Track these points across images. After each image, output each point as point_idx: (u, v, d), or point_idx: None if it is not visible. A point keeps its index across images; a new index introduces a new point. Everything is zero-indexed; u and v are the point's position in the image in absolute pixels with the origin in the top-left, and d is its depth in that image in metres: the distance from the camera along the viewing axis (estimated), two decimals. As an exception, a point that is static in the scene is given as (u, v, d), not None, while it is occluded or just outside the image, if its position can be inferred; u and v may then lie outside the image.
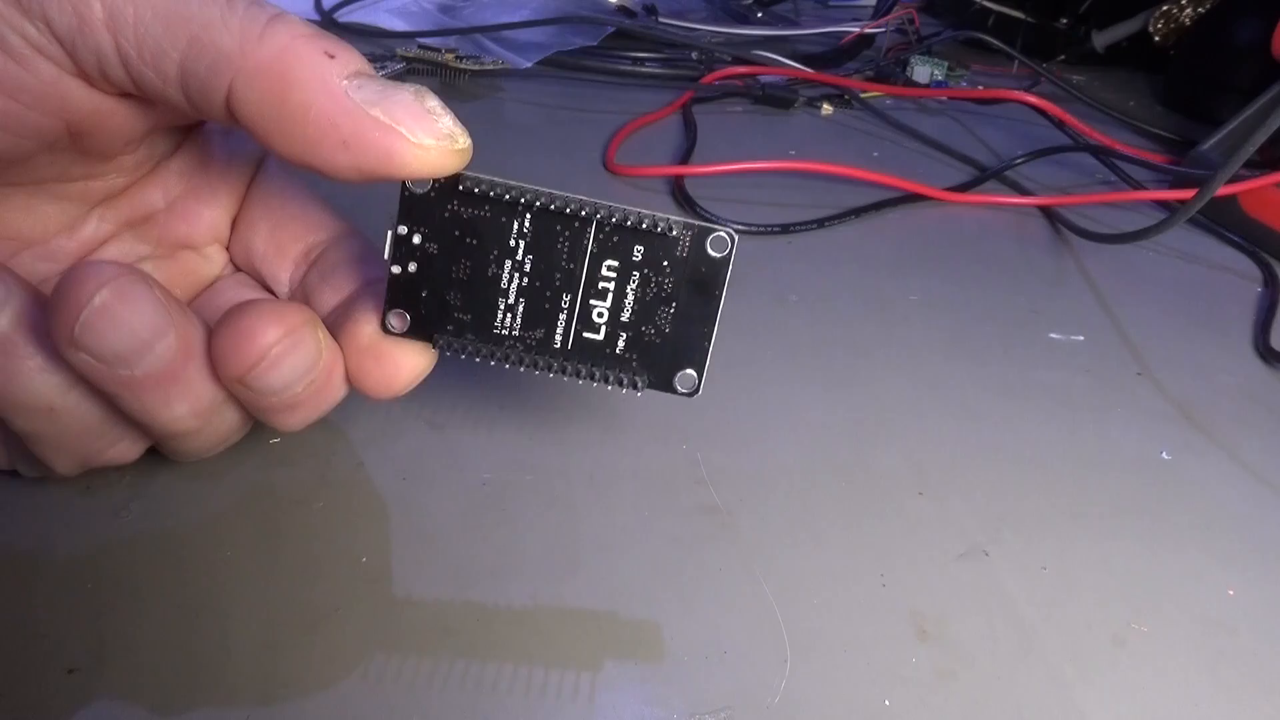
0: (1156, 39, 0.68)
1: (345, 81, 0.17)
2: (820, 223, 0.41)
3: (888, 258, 0.39)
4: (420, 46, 0.55)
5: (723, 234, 0.19)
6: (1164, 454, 0.28)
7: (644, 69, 0.59)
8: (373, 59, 0.52)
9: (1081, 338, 0.35)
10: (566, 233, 0.19)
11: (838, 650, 0.20)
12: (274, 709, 0.18)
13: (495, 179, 0.19)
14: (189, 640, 0.19)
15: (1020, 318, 0.36)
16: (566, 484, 0.24)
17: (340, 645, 0.19)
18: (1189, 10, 0.66)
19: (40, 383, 0.18)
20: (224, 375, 0.19)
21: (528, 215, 0.19)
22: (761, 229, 0.40)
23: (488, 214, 0.19)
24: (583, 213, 0.19)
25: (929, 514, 0.25)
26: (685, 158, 0.47)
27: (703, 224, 0.19)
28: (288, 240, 0.23)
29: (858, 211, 0.42)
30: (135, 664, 0.18)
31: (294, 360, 0.19)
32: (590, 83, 0.58)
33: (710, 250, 0.19)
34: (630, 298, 0.19)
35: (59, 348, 0.17)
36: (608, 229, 0.19)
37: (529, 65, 0.57)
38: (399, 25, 0.61)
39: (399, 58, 0.54)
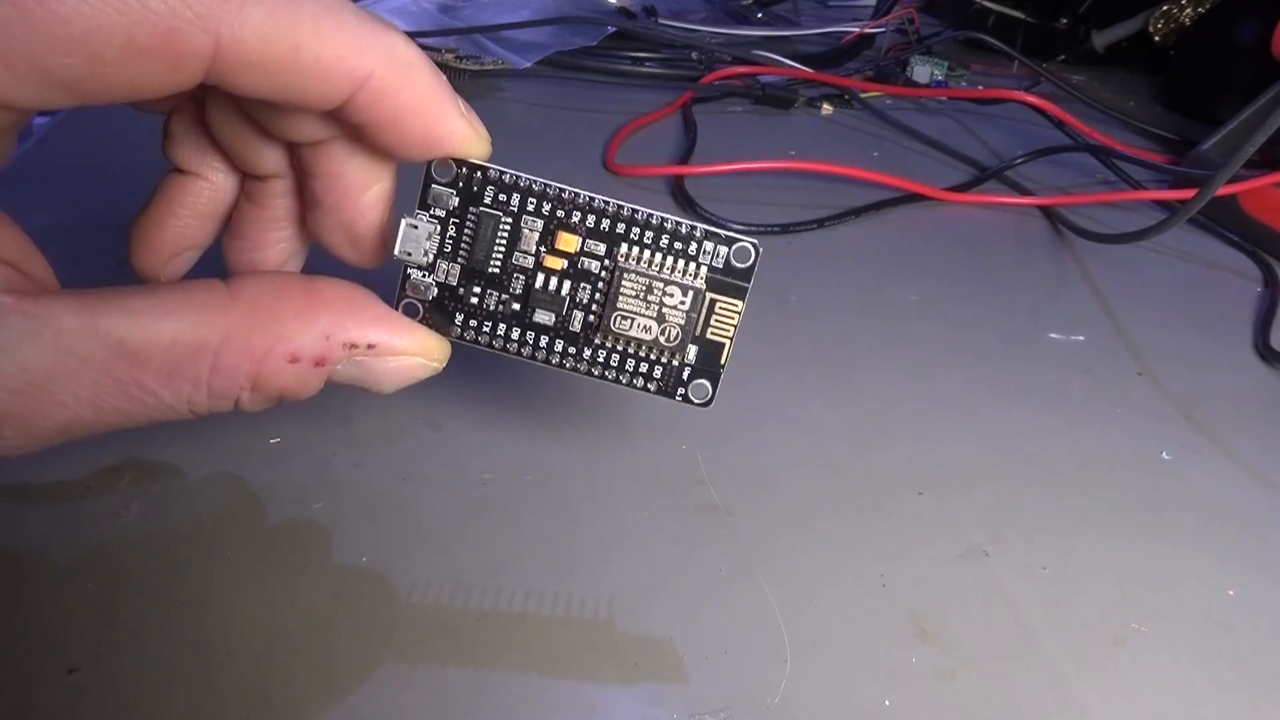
0: (1156, 39, 0.68)
1: None
2: (820, 223, 0.41)
3: (888, 258, 0.39)
4: (420, 47, 0.55)
5: (746, 245, 0.19)
6: (1164, 454, 0.28)
7: (644, 69, 0.59)
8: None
9: (1081, 338, 0.35)
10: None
11: (838, 650, 0.20)
12: (274, 709, 0.18)
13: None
14: (189, 640, 0.19)
15: (1020, 318, 0.36)
16: (566, 484, 0.24)
17: (340, 645, 0.19)
18: (1189, 10, 0.66)
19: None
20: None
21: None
22: (761, 229, 0.40)
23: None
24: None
25: (929, 514, 0.25)
26: (685, 158, 0.47)
27: (728, 234, 0.19)
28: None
29: (858, 211, 0.42)
30: (135, 664, 0.18)
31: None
32: (590, 83, 0.58)
33: (734, 260, 0.19)
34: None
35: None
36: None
37: (529, 65, 0.57)
38: (399, 25, 0.61)
39: (399, 58, 0.54)
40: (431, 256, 0.19)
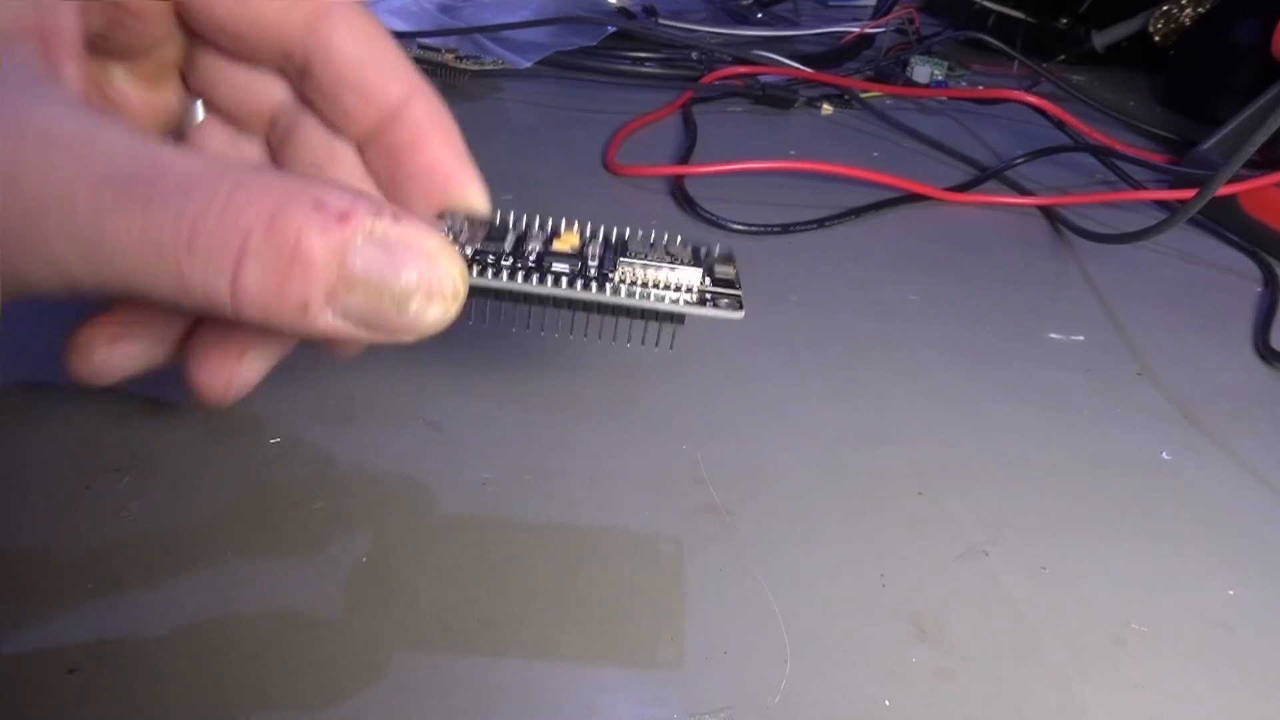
0: (1156, 39, 0.68)
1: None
2: (820, 223, 0.41)
3: (888, 258, 0.39)
4: (420, 46, 0.55)
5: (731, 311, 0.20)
6: (1164, 454, 0.28)
7: (644, 69, 0.59)
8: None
9: (1081, 338, 0.35)
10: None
11: (838, 650, 0.20)
12: (274, 709, 0.18)
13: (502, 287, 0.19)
14: (189, 640, 0.19)
15: (1020, 318, 0.36)
16: (566, 484, 0.24)
17: (340, 645, 0.19)
18: (1189, 10, 0.66)
19: None
20: None
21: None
22: (761, 229, 0.40)
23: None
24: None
25: (929, 514, 0.25)
26: (685, 158, 0.47)
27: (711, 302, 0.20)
28: (257, 53, 0.21)
29: (858, 211, 0.42)
30: (135, 664, 0.18)
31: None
32: (590, 83, 0.58)
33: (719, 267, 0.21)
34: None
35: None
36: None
37: (529, 65, 0.57)
38: (399, 25, 0.61)
39: (399, 58, 0.54)
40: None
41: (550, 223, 0.21)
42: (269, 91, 0.22)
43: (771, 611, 0.21)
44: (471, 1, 0.68)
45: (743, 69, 0.59)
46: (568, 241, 0.20)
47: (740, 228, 0.39)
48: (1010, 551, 0.24)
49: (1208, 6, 0.65)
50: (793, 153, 0.50)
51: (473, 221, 0.20)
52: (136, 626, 0.19)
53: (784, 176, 0.46)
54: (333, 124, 0.21)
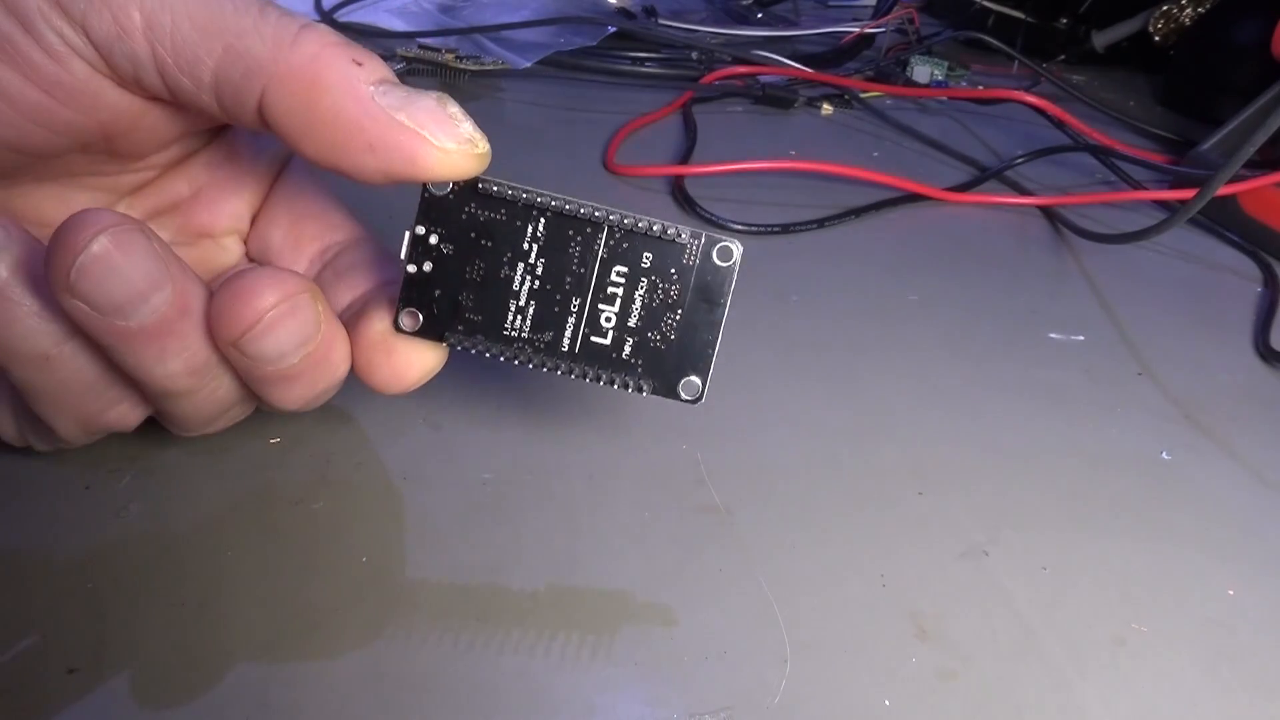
0: (1156, 39, 0.68)
1: (372, 88, 0.18)
2: (820, 223, 0.41)
3: (888, 258, 0.39)
4: (420, 46, 0.55)
5: (728, 244, 0.20)
6: (1164, 454, 0.28)
7: (644, 69, 0.59)
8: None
9: (1081, 338, 0.35)
10: (579, 237, 0.20)
11: (838, 650, 0.20)
12: (274, 709, 0.18)
13: (512, 183, 0.19)
14: (189, 640, 0.19)
15: (1020, 318, 0.36)
16: (566, 484, 0.24)
17: (340, 645, 0.19)
18: (1189, 10, 0.66)
19: (35, 328, 0.18)
20: (220, 338, 0.19)
21: (542, 219, 0.20)
22: (761, 229, 0.40)
23: (503, 217, 0.19)
24: (595, 215, 0.19)
25: (929, 513, 0.25)
26: (685, 158, 0.47)
27: (709, 234, 0.20)
28: (305, 238, 0.24)
29: (858, 211, 0.42)
30: (135, 664, 0.18)
31: (290, 327, 0.19)
32: (590, 83, 0.58)
33: (716, 259, 0.20)
34: (638, 304, 0.20)
35: (55, 293, 0.17)
36: (619, 234, 0.20)
37: (529, 65, 0.57)
38: (399, 25, 0.61)
39: (399, 58, 0.54)
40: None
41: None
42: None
43: (771, 611, 0.21)
44: (471, 1, 0.68)
45: (743, 69, 0.59)
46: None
47: (740, 228, 0.39)
48: (1010, 551, 0.24)
49: (1208, 6, 0.65)
50: (793, 153, 0.50)
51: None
52: (136, 626, 0.19)
53: (784, 176, 0.46)
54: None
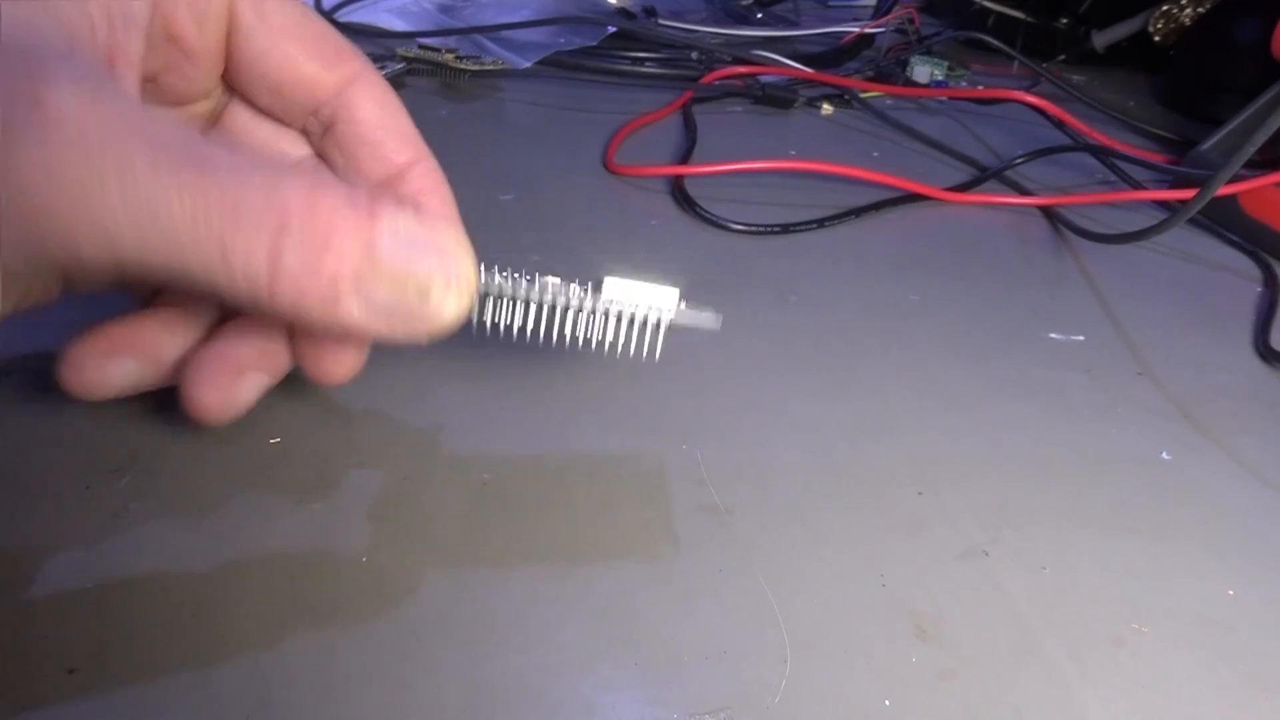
0: (1156, 39, 0.68)
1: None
2: (820, 223, 0.41)
3: (888, 258, 0.39)
4: (420, 46, 0.55)
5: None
6: (1164, 454, 0.28)
7: (644, 69, 0.59)
8: (373, 59, 0.52)
9: (1081, 338, 0.35)
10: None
11: (838, 650, 0.20)
12: (274, 709, 0.18)
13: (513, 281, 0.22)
14: (189, 640, 0.19)
15: (1020, 318, 0.36)
16: (566, 484, 0.24)
17: (340, 645, 0.19)
18: (1189, 10, 0.66)
19: None
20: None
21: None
22: (761, 229, 0.40)
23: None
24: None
25: (929, 513, 0.25)
26: (685, 157, 0.47)
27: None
28: (289, 108, 0.23)
29: (858, 211, 0.42)
30: (135, 664, 0.18)
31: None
32: (590, 83, 0.58)
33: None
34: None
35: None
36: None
37: (529, 65, 0.57)
38: (399, 25, 0.61)
39: (399, 58, 0.54)
40: None
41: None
42: (291, 149, 0.24)
43: (771, 611, 0.21)
44: (471, 1, 0.68)
45: (743, 69, 0.59)
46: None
47: (740, 228, 0.39)
48: (1010, 551, 0.24)
49: (1208, 6, 0.65)
50: (793, 153, 0.50)
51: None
52: (137, 625, 0.19)
53: (784, 176, 0.46)
54: (345, 175, 0.24)
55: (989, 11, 0.74)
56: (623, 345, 0.23)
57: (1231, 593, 0.23)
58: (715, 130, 0.51)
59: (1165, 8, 0.67)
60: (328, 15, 0.63)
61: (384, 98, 0.23)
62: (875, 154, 0.52)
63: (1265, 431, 0.30)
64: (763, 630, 0.20)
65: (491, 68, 0.55)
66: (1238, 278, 0.42)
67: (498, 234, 0.36)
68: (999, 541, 0.24)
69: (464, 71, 0.54)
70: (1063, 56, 0.74)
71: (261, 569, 0.20)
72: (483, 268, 0.21)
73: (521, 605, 0.20)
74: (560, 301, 0.22)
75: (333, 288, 0.17)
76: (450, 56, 0.54)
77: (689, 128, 0.51)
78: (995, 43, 0.68)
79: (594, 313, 0.23)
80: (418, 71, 0.54)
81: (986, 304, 0.36)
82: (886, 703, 0.19)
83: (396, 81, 0.53)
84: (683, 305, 0.23)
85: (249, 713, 0.17)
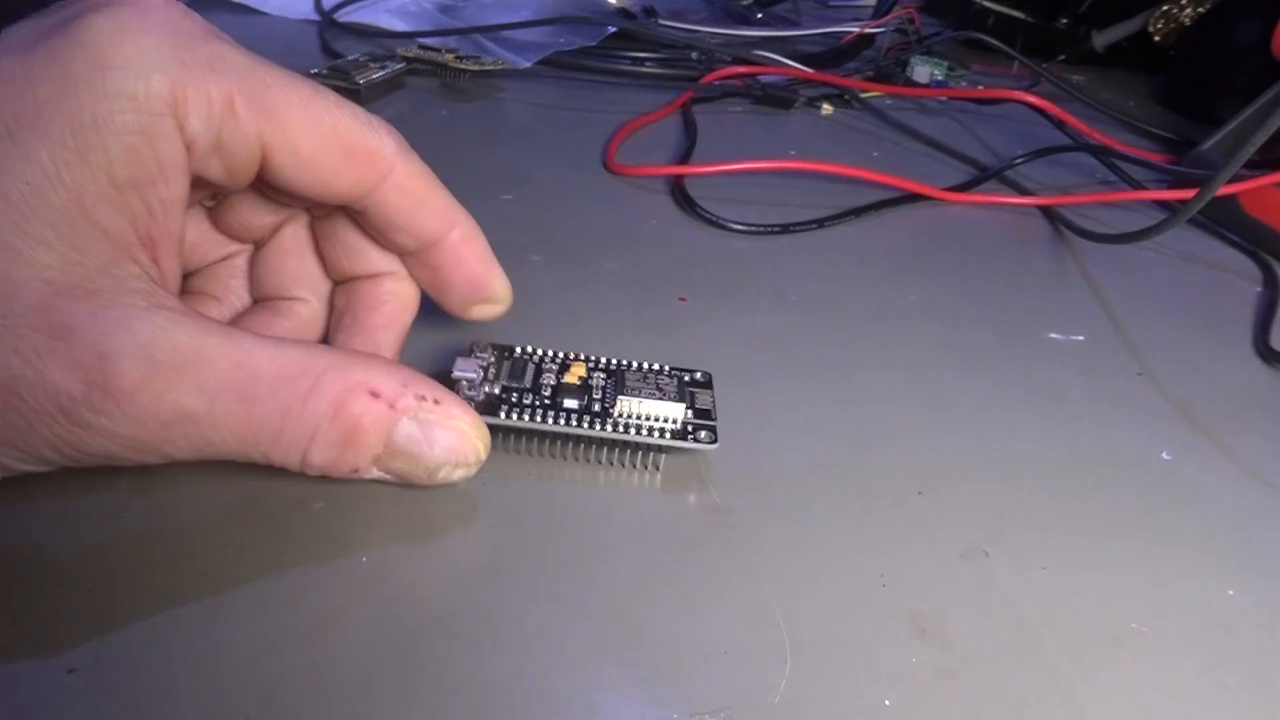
0: (1156, 39, 0.68)
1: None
2: (820, 223, 0.41)
3: (887, 258, 0.39)
4: (420, 46, 0.55)
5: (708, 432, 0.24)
6: (1164, 454, 0.28)
7: (644, 69, 0.59)
8: (373, 59, 0.52)
9: (1081, 338, 0.35)
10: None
11: (838, 650, 0.20)
12: (274, 709, 0.18)
13: (532, 349, 0.26)
14: (189, 640, 0.19)
15: (1020, 318, 0.36)
16: (566, 484, 0.24)
17: (340, 645, 0.19)
18: (1189, 10, 0.66)
19: None
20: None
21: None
22: (761, 229, 0.40)
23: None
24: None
25: (929, 514, 0.25)
26: (685, 157, 0.47)
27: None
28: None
29: (858, 211, 0.42)
30: (135, 664, 0.18)
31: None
32: (590, 83, 0.58)
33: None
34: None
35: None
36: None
37: (529, 65, 0.57)
38: (399, 25, 0.61)
39: (399, 57, 0.54)
40: (479, 379, 0.24)
41: (561, 356, 0.26)
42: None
43: (771, 611, 0.21)
44: (471, 1, 0.68)
45: (743, 69, 0.59)
46: (575, 373, 0.25)
47: (740, 228, 0.39)
48: (1010, 551, 0.24)
49: (1208, 6, 0.65)
50: (793, 153, 0.50)
51: (499, 350, 0.25)
52: (136, 626, 0.19)
53: (784, 176, 0.46)
54: (377, 241, 0.24)
55: (989, 11, 0.74)
56: (629, 464, 0.25)
57: (1231, 593, 0.23)
58: (715, 130, 0.51)
59: (1165, 8, 0.67)
60: (328, 15, 0.63)
61: (417, 181, 0.23)
62: (875, 154, 0.52)
63: (1265, 431, 0.30)
64: (763, 630, 0.20)
65: (491, 68, 0.55)
66: (1238, 278, 0.42)
67: (498, 234, 0.36)
68: (999, 542, 0.24)
69: (464, 71, 0.54)
70: (1063, 56, 0.74)
71: (262, 569, 0.20)
72: (502, 409, 0.23)
73: (521, 605, 0.20)
74: (575, 433, 0.24)
75: (354, 469, 0.21)
76: (450, 56, 0.54)
77: (689, 128, 0.51)
78: (995, 43, 0.68)
79: (599, 443, 0.24)
80: (418, 71, 0.54)
81: (986, 304, 0.36)
82: (886, 702, 0.19)
83: (396, 81, 0.53)
84: (689, 415, 0.24)
85: (249, 713, 0.17)
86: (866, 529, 0.24)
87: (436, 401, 0.21)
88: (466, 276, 0.24)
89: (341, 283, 0.25)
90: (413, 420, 0.20)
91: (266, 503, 0.22)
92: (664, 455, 0.25)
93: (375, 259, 0.25)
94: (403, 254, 0.25)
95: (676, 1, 0.75)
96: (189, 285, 0.25)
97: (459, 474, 0.21)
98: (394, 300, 0.25)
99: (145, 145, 0.18)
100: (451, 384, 0.24)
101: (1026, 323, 0.35)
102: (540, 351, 0.26)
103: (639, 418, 0.24)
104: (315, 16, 0.64)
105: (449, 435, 0.21)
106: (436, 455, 0.21)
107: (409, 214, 0.23)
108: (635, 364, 0.26)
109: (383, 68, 0.52)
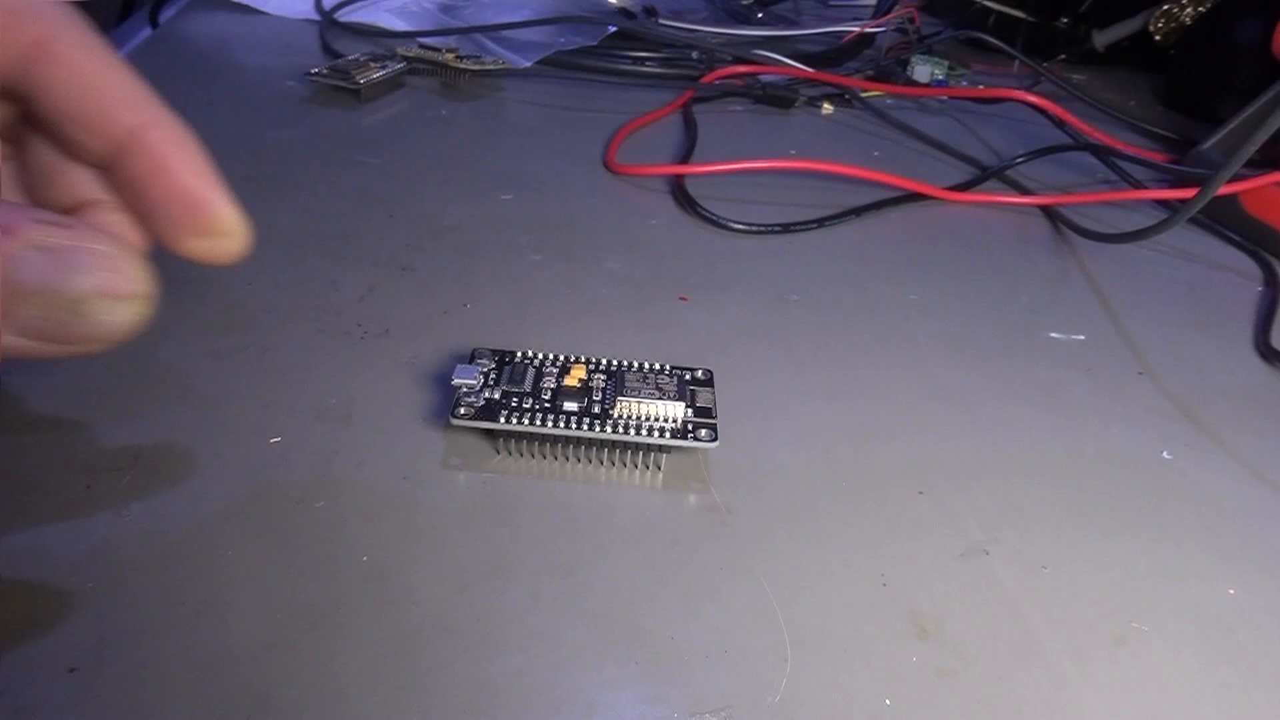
0: (1157, 38, 0.68)
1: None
2: (820, 222, 0.41)
3: (888, 257, 0.39)
4: (420, 46, 0.55)
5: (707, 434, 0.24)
6: (1164, 454, 0.28)
7: (644, 68, 0.59)
8: (373, 59, 0.52)
9: (1082, 337, 0.35)
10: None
11: (838, 650, 0.20)
12: (274, 709, 0.18)
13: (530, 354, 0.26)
14: (189, 640, 0.19)
15: (1020, 318, 0.36)
16: (566, 484, 0.24)
17: (340, 645, 0.19)
18: (1189, 10, 0.66)
19: None
20: None
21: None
22: (761, 229, 0.40)
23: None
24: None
25: (929, 513, 0.25)
26: (686, 157, 0.47)
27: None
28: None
29: (858, 211, 0.42)
30: (135, 664, 0.18)
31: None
32: (590, 83, 0.58)
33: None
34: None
35: None
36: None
37: (529, 65, 0.57)
38: (399, 25, 0.61)
39: (399, 57, 0.54)
40: (479, 385, 0.24)
41: (561, 359, 0.26)
42: None
43: (771, 611, 0.21)
44: (471, 1, 0.68)
45: (743, 68, 0.59)
46: (575, 376, 0.25)
47: (740, 227, 0.39)
48: (1010, 551, 0.24)
49: (1208, 6, 0.65)
50: (793, 152, 0.50)
51: (500, 356, 0.26)
52: (136, 626, 0.19)
53: (784, 176, 0.46)
54: (64, 151, 0.20)
55: (989, 11, 0.74)
56: (631, 464, 0.25)
57: (1232, 592, 0.23)
58: (715, 130, 0.51)
59: (1165, 7, 0.67)
60: (328, 15, 0.63)
61: (88, 58, 0.18)
62: (876, 153, 0.52)
63: (1265, 431, 0.30)
64: (763, 630, 0.20)
65: (492, 67, 0.55)
66: (1238, 277, 0.42)
67: (498, 234, 0.36)
68: (999, 541, 0.24)
69: (464, 71, 0.54)
70: (1063, 56, 0.74)
71: (262, 569, 0.20)
72: (503, 414, 0.24)
73: (522, 604, 0.20)
74: (576, 436, 0.24)
75: None
76: (450, 56, 0.54)
77: (689, 127, 0.51)
78: (996, 42, 0.68)
79: (600, 444, 0.24)
80: (418, 71, 0.54)
81: (987, 303, 0.36)
82: (887, 702, 0.19)
83: (396, 81, 0.53)
84: (689, 414, 0.25)
85: (249, 713, 0.17)
86: (867, 528, 0.24)
87: (65, 226, 0.16)
88: (172, 191, 0.19)
89: None
90: (37, 251, 0.16)
91: (266, 502, 0.22)
92: (665, 455, 0.25)
93: (76, 182, 0.20)
94: (100, 167, 0.20)
95: (677, 1, 0.75)
96: None
97: (120, 312, 0.17)
98: None
99: None
100: (451, 391, 0.24)
101: (1027, 322, 0.35)
102: (540, 355, 0.26)
103: (639, 418, 0.24)
104: (315, 16, 0.64)
105: (90, 258, 0.16)
106: (77, 286, 0.16)
107: (80, 98, 0.18)
108: (635, 364, 0.26)
109: (383, 67, 0.52)
